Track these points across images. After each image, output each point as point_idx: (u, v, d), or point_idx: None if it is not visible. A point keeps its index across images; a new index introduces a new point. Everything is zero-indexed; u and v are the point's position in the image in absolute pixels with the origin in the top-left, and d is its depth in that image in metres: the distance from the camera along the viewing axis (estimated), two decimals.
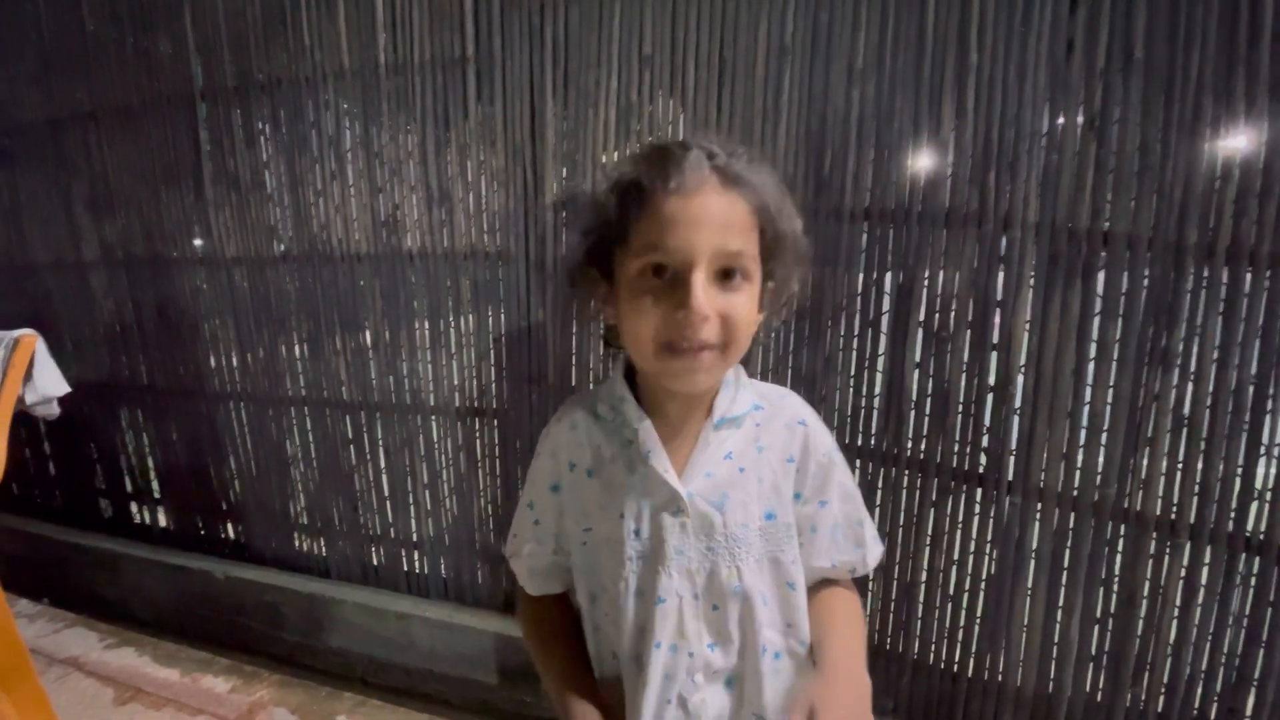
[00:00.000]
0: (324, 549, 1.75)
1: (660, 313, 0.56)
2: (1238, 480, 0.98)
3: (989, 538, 1.14)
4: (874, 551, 0.70)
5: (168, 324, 1.79)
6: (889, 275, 1.14)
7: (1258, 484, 0.97)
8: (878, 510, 1.20)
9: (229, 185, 1.63)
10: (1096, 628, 1.10)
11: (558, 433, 0.70)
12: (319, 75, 1.49)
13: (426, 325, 1.52)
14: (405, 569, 1.67)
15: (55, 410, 1.41)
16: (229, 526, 1.88)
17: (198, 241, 1.71)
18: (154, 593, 1.90)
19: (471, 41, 1.36)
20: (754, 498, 0.64)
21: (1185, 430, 1.00)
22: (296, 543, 1.78)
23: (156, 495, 1.98)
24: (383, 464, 1.63)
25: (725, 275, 0.56)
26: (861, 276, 1.16)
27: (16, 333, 1.31)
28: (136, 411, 1.93)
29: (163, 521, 1.98)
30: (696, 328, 0.55)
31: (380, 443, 1.62)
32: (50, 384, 1.37)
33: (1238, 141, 0.92)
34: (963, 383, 1.11)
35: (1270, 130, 0.90)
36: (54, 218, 1.88)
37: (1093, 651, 1.10)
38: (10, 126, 1.89)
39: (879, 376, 1.17)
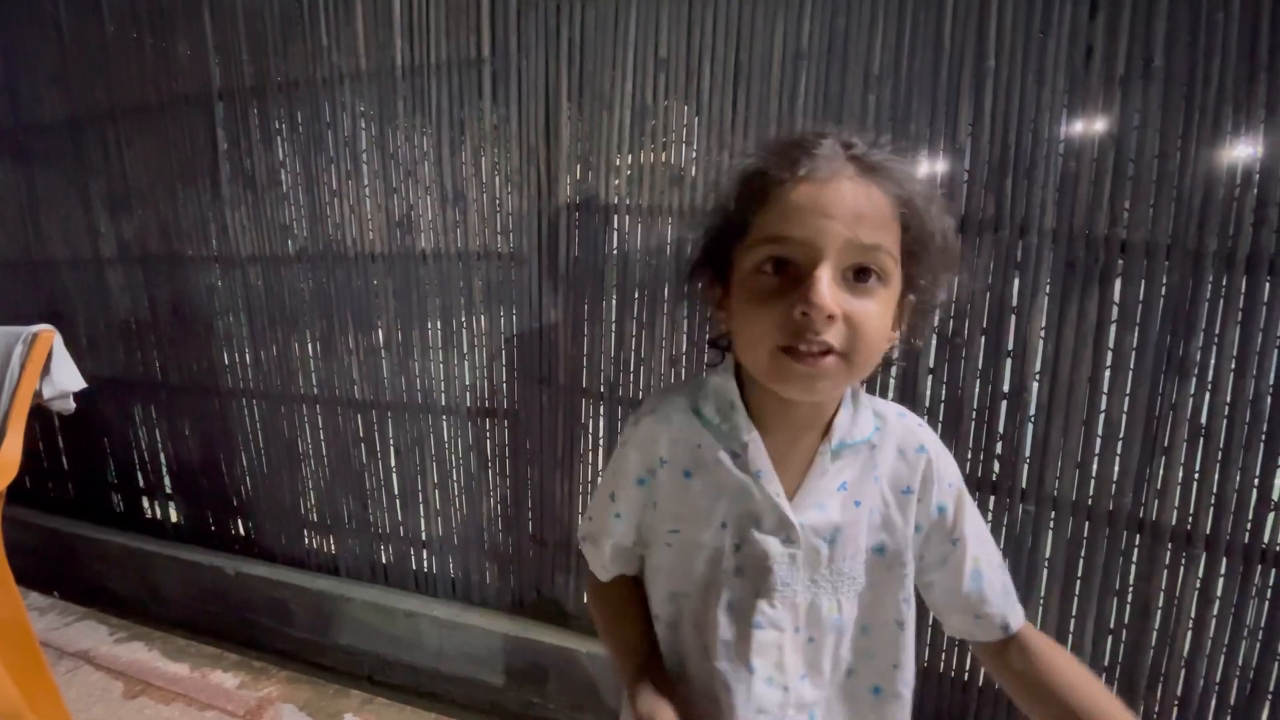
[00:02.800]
0: (333, 546, 1.76)
1: (778, 312, 0.50)
2: (1255, 491, 0.97)
3: (1001, 545, 1.13)
4: (1018, 606, 0.62)
5: (183, 321, 1.81)
6: None
7: (1275, 495, 0.97)
8: None
9: (245, 184, 1.65)
10: (1109, 638, 1.09)
11: (649, 425, 0.63)
12: (336, 76, 1.50)
13: (439, 325, 1.53)
14: (414, 568, 1.68)
15: (71, 405, 1.42)
16: (239, 523, 1.90)
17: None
18: (164, 587, 1.91)
19: (488, 43, 1.37)
20: (864, 531, 0.59)
21: (1202, 440, 0.99)
22: (306, 540, 1.80)
23: (168, 490, 1.99)
24: (393, 463, 1.64)
25: (858, 275, 0.50)
26: None
27: (35, 328, 1.33)
28: (150, 407, 1.94)
29: (174, 517, 2.00)
30: (819, 327, 0.48)
31: (391, 441, 1.63)
32: (67, 379, 1.39)
33: (1258, 149, 0.92)
34: (977, 389, 1.11)
35: None
36: (72, 215, 1.91)
37: (1105, 662, 1.09)
38: (30, 125, 1.92)
39: (891, 382, 1.16)
